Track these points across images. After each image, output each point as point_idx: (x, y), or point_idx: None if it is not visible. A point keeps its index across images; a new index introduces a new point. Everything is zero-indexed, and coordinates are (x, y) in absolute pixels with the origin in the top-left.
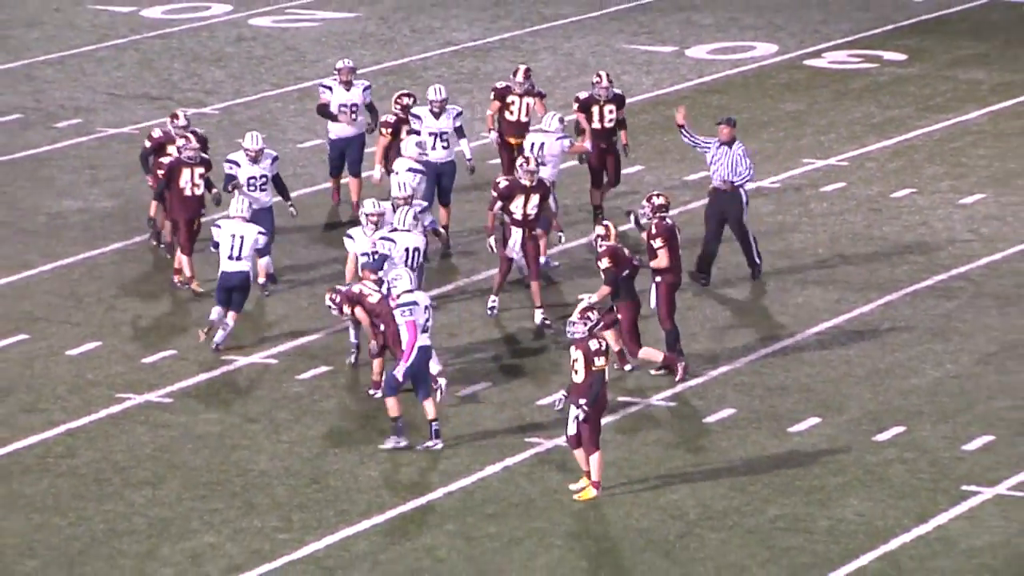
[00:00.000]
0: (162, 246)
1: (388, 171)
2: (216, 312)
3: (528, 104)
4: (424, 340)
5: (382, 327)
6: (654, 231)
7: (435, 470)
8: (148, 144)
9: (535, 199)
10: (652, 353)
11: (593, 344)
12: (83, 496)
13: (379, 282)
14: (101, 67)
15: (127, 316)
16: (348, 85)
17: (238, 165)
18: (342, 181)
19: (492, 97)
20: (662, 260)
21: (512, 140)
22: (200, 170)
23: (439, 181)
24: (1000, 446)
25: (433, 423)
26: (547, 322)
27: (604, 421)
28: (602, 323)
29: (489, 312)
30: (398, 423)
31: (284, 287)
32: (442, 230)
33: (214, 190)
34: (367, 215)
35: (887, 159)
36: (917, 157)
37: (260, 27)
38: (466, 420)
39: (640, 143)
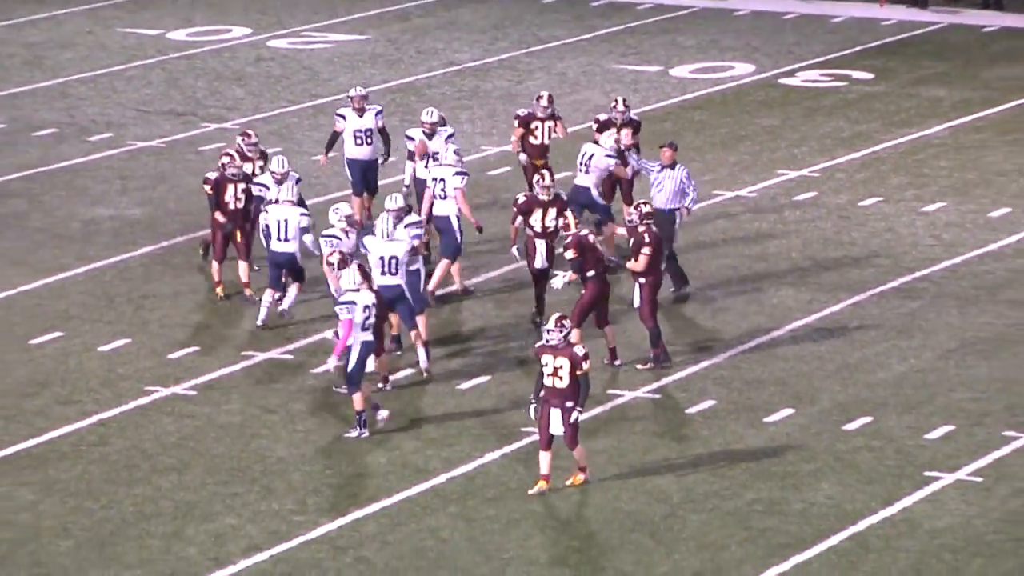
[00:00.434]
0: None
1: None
2: (268, 295)
3: (549, 127)
4: (366, 336)
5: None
6: (645, 238)
7: (438, 457)
8: (209, 190)
9: (552, 212)
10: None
11: (579, 350)
12: (114, 481)
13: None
14: (130, 85)
15: (155, 315)
16: (361, 112)
17: (267, 187)
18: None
19: (516, 124)
20: (645, 264)
21: (536, 162)
22: (243, 185)
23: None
24: (960, 435)
25: (361, 413)
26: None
27: (594, 412)
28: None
29: (536, 326)
30: (362, 416)
31: (302, 294)
32: (419, 241)
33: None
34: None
35: (855, 170)
36: (883, 168)
37: (277, 48)
38: (468, 411)
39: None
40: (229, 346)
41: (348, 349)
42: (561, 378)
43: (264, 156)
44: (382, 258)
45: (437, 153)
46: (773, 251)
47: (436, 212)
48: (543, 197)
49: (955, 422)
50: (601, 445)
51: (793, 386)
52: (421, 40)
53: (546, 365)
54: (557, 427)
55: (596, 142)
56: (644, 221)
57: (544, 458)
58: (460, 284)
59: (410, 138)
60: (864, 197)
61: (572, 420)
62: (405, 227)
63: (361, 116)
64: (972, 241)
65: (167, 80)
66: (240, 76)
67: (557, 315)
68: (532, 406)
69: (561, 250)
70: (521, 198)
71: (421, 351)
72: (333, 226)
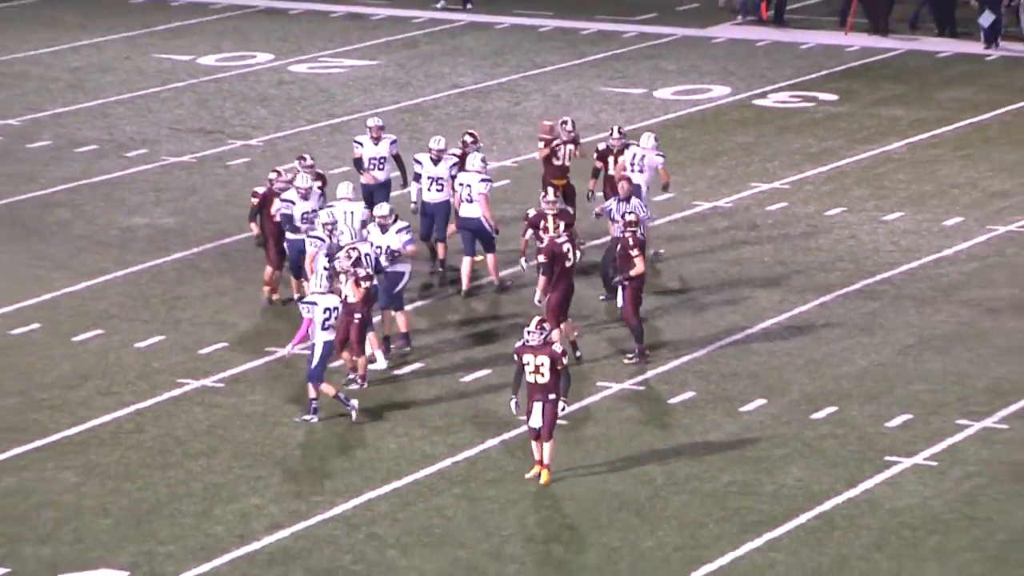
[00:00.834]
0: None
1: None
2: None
3: (570, 150)
4: (327, 336)
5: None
6: (631, 243)
7: (444, 443)
8: (256, 202)
9: (561, 225)
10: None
11: (557, 348)
12: (149, 465)
13: (368, 278)
14: (164, 106)
15: (186, 314)
16: (377, 140)
17: (293, 203)
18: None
19: (542, 145)
20: (639, 267)
21: (555, 182)
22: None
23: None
24: (917, 423)
25: (313, 401)
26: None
27: (584, 402)
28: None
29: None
30: (313, 403)
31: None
32: (412, 248)
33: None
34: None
35: (822, 183)
36: (847, 181)
37: (298, 72)
38: (470, 401)
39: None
40: (254, 343)
41: (311, 344)
42: (543, 375)
43: (321, 177)
44: (366, 255)
45: (441, 179)
46: (747, 256)
47: (465, 214)
48: (550, 212)
49: (913, 411)
50: (590, 432)
51: (765, 379)
52: (428, 65)
53: (527, 364)
54: (537, 420)
55: (625, 148)
56: (629, 229)
57: (536, 446)
58: (496, 278)
59: (418, 162)
60: (830, 207)
61: (561, 410)
62: (396, 232)
63: (376, 144)
64: (928, 247)
65: (197, 101)
66: (264, 98)
67: (538, 318)
68: (513, 401)
69: (537, 257)
70: (531, 212)
71: (380, 351)
72: (316, 229)
